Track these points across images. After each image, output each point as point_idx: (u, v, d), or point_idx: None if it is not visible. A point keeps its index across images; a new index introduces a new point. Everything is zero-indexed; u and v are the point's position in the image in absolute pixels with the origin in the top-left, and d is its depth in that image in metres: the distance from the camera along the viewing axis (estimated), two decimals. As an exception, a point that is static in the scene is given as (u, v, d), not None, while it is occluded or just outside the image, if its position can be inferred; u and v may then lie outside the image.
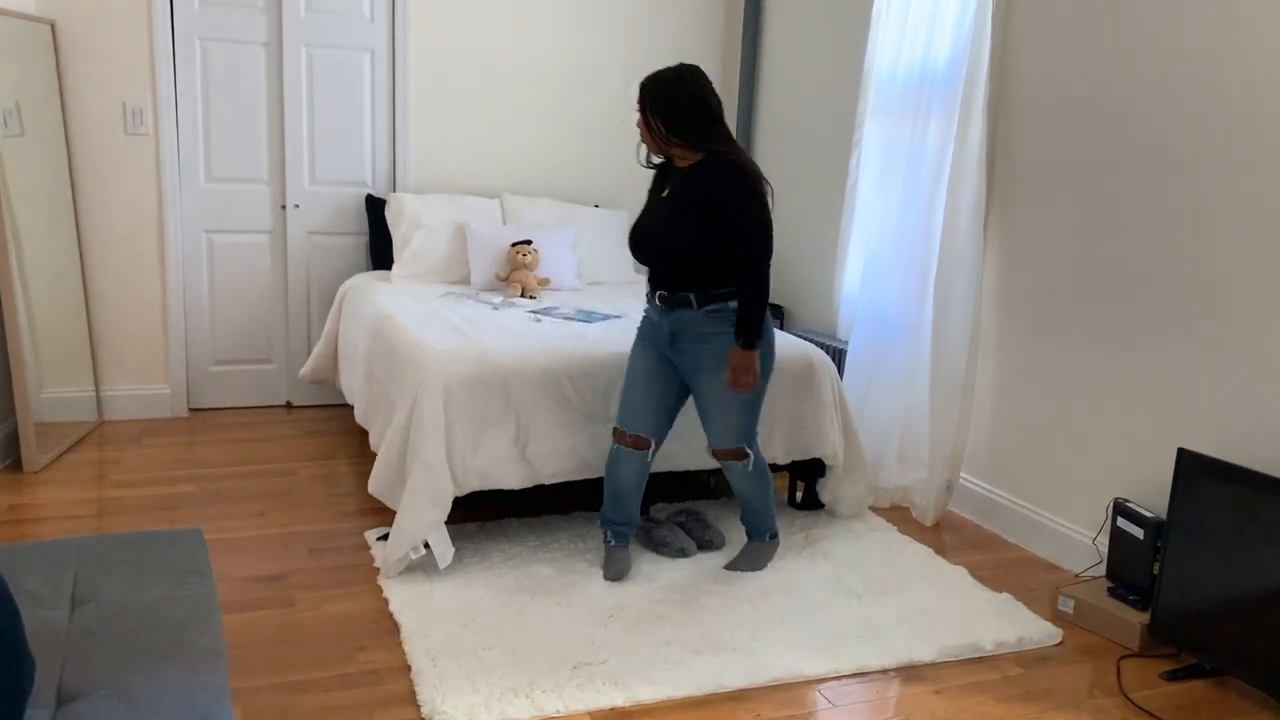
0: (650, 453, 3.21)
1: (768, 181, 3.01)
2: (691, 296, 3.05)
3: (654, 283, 3.16)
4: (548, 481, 3.32)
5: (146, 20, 4.44)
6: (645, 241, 3.14)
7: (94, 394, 4.61)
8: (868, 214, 4.28)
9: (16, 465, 3.99)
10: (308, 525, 3.57)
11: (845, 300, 4.47)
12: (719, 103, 3.04)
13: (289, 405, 5.03)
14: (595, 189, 5.35)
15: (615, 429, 3.22)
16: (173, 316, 4.70)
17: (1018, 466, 3.69)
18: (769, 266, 2.97)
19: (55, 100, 4.34)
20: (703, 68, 5.43)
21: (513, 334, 3.63)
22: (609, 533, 3.28)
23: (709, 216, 2.97)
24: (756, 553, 3.31)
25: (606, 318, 4.09)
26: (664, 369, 3.18)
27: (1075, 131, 3.41)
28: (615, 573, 3.20)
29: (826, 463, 3.70)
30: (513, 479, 3.27)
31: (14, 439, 4.01)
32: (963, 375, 3.73)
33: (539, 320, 3.95)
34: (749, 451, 3.18)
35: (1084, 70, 3.37)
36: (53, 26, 4.30)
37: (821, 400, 3.63)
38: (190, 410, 4.84)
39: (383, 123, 4.93)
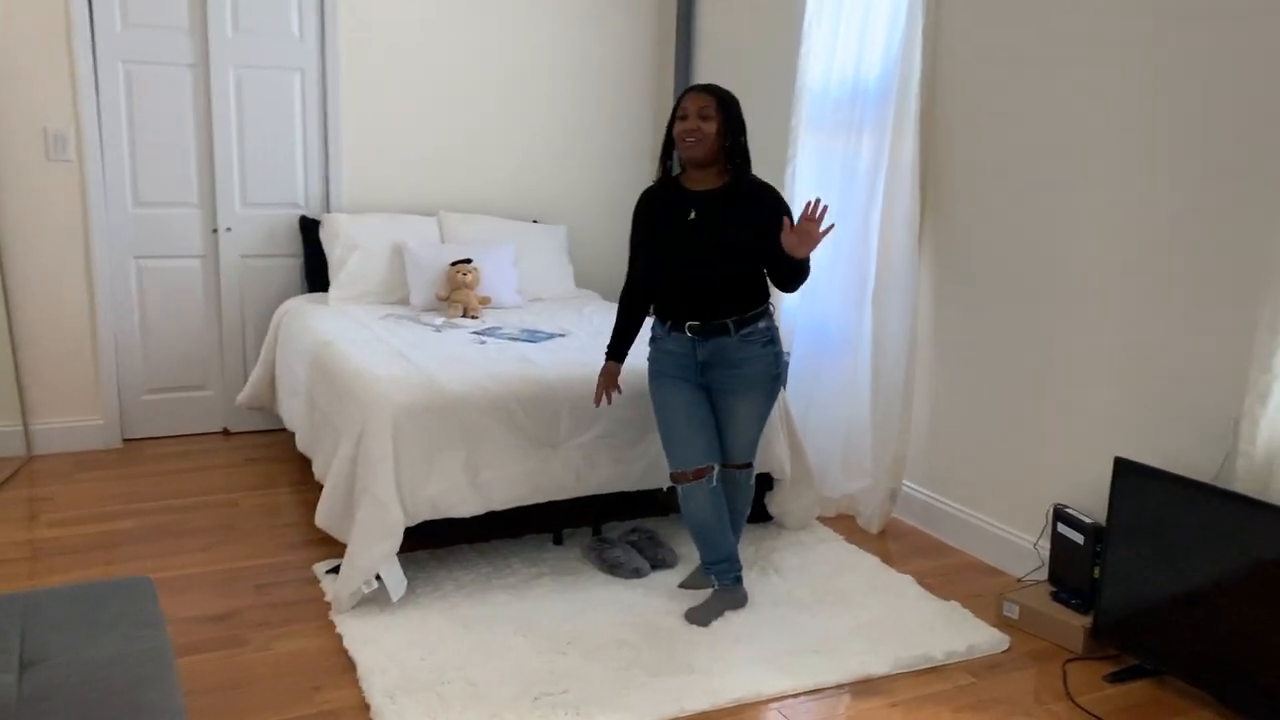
0: (713, 476, 3.09)
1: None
2: (729, 323, 3.02)
3: (681, 313, 3.07)
4: (500, 508, 3.31)
5: (66, 43, 4.32)
6: (684, 270, 3.02)
7: (22, 428, 4.47)
8: (805, 226, 4.33)
9: (-57, 508, 3.86)
10: (253, 559, 3.51)
11: (786, 312, 4.52)
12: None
13: (226, 432, 4.93)
14: (533, 204, 5.35)
15: (674, 474, 3.12)
16: (103, 345, 4.58)
17: (959, 473, 3.78)
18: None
19: (-28, 127, 4.20)
20: (636, 83, 5.49)
21: (458, 359, 3.61)
22: (712, 576, 3.17)
23: (758, 239, 2.97)
24: (720, 601, 3.20)
25: (551, 336, 4.08)
26: (699, 397, 3.12)
27: (1005, 145, 3.50)
28: (734, 605, 3.14)
29: (774, 477, 3.75)
30: (465, 507, 3.25)
31: (-60, 480, 3.87)
32: (902, 384, 3.80)
33: (483, 342, 3.93)
34: (752, 462, 3.27)
35: (1012, 83, 3.46)
36: (-33, 51, 4.16)
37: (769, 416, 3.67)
38: (124, 441, 4.72)
39: (314, 143, 4.86)
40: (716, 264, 3.00)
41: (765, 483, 3.80)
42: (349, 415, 3.36)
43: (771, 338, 3.11)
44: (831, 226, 2.93)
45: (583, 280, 5.41)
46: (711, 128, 3.00)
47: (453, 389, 3.29)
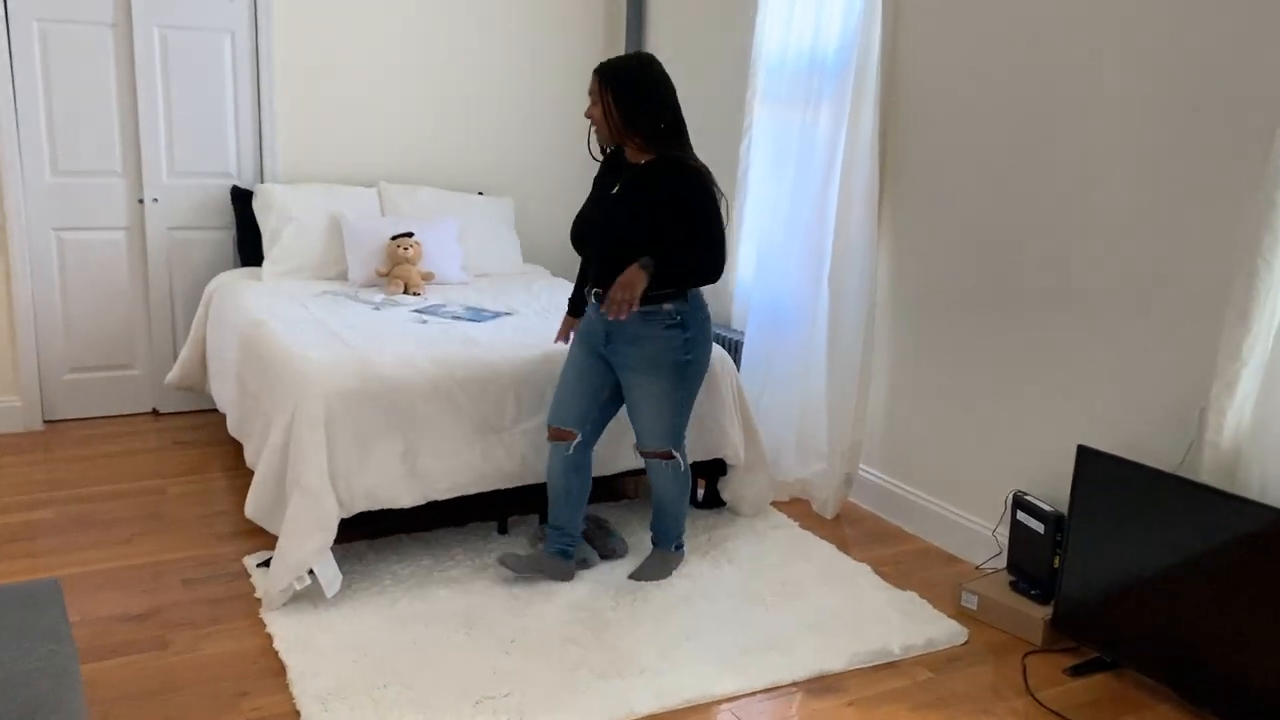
0: (573, 445, 3.10)
1: (722, 193, 2.97)
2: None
3: (593, 279, 3.07)
4: (441, 498, 3.16)
5: (-26, -1, 4.03)
6: (591, 236, 3.04)
7: (-67, 410, 4.21)
8: (760, 202, 4.21)
9: None
10: (180, 552, 3.32)
11: (740, 289, 4.40)
12: (676, 99, 2.98)
13: (155, 413, 4.71)
14: (478, 176, 5.14)
15: (548, 428, 3.16)
16: (21, 322, 4.32)
17: (915, 458, 3.69)
18: (716, 266, 2.94)
19: None
20: (585, 53, 5.29)
21: (397, 339, 3.44)
22: (547, 539, 3.20)
23: (667, 218, 2.89)
24: (662, 562, 3.22)
25: (497, 315, 3.92)
26: (598, 366, 3.10)
27: (966, 122, 3.38)
28: (553, 575, 3.14)
29: (728, 462, 3.63)
30: (404, 498, 3.09)
31: None
32: (859, 367, 3.69)
33: (424, 321, 3.76)
34: (675, 454, 3.10)
35: (973, 60, 3.34)
36: None
37: (722, 400, 3.55)
38: (45, 423, 4.48)
39: (247, 109, 4.62)
40: (619, 240, 2.94)
41: (719, 468, 3.68)
42: (280, 400, 3.18)
43: (682, 322, 2.98)
44: (633, 307, 2.83)
45: (530, 254, 5.23)
46: (598, 110, 2.95)
47: (390, 372, 3.12)
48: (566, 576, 3.16)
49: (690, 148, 3.02)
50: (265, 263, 4.41)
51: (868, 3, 3.56)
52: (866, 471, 3.88)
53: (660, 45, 4.95)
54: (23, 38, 4.17)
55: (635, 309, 2.84)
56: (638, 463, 3.44)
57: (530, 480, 3.31)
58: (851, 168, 3.66)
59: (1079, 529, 2.83)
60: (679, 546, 3.27)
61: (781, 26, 4.02)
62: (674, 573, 3.23)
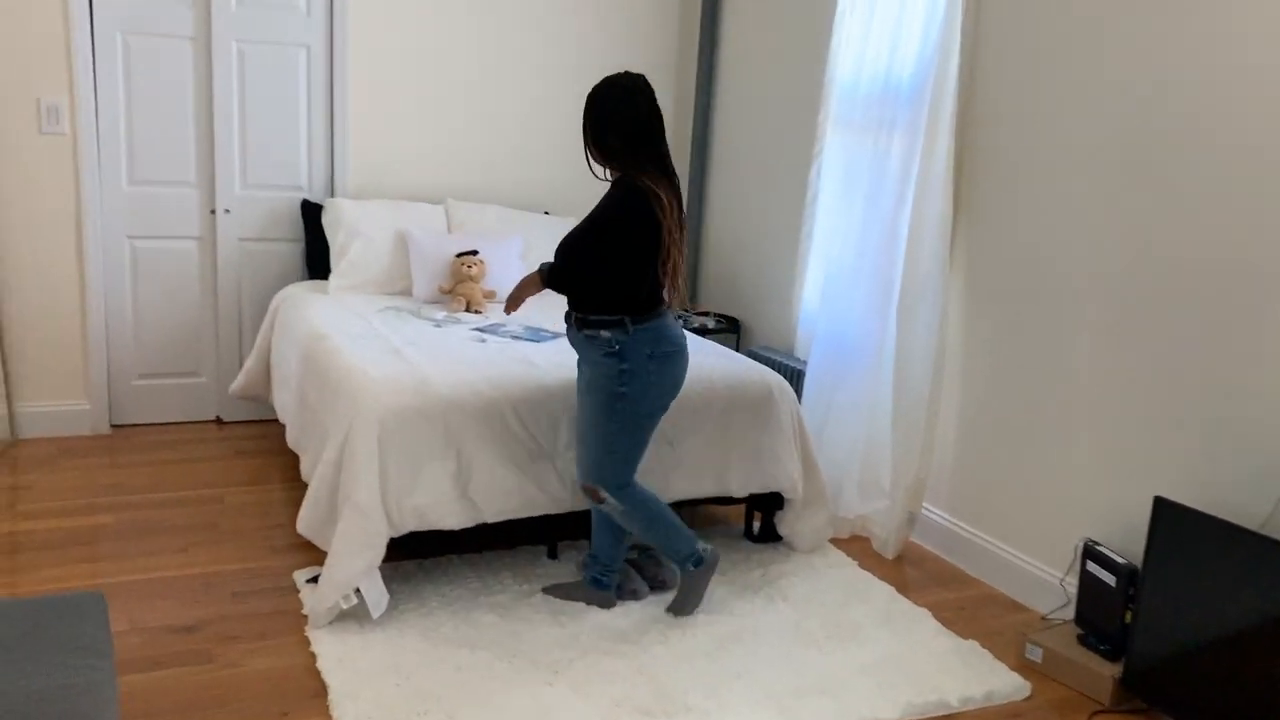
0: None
1: (653, 220, 2.78)
2: (574, 316, 2.95)
3: None
4: (491, 521, 3.11)
5: (62, 10, 4.13)
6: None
7: (6, 411, 4.30)
8: (828, 228, 4.12)
9: (-84, 494, 3.70)
10: (233, 563, 3.33)
11: (804, 317, 4.30)
12: (638, 120, 2.84)
13: (219, 421, 4.76)
14: (545, 195, 5.13)
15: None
16: (93, 327, 4.40)
17: (983, 499, 3.55)
18: (612, 288, 2.83)
19: (-39, 96, 4.02)
20: (657, 72, 5.25)
21: (455, 358, 3.41)
22: (585, 565, 3.20)
23: (589, 230, 2.89)
24: (690, 586, 3.10)
25: (556, 336, 3.88)
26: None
27: (1048, 150, 3.26)
28: (594, 602, 3.12)
29: (785, 495, 3.53)
30: (453, 519, 3.06)
31: (-87, 465, 3.71)
32: (926, 401, 3.57)
33: (484, 340, 3.73)
34: (602, 495, 2.97)
35: (1055, 88, 3.21)
36: (-43, 17, 3.98)
37: (780, 430, 3.46)
38: (112, 427, 4.55)
39: (319, 123, 4.66)
40: (560, 252, 2.94)
41: (775, 501, 3.59)
42: (337, 416, 3.17)
43: (620, 352, 2.85)
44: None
45: (594, 275, 5.19)
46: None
47: (445, 392, 3.09)
48: (607, 604, 3.10)
49: (652, 172, 2.83)
50: (331, 276, 4.44)
51: (945, 28, 3.46)
52: (930, 511, 3.75)
53: (733, 65, 4.89)
54: (106, 49, 4.27)
55: (516, 307, 3.00)
56: (689, 491, 3.37)
57: (580, 508, 3.25)
58: (924, 196, 3.55)
59: (1154, 584, 2.68)
60: (696, 561, 3.07)
61: (856, 50, 3.93)
62: (707, 592, 3.12)
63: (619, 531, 3.11)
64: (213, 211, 4.56)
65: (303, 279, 4.72)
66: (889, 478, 3.69)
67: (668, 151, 2.90)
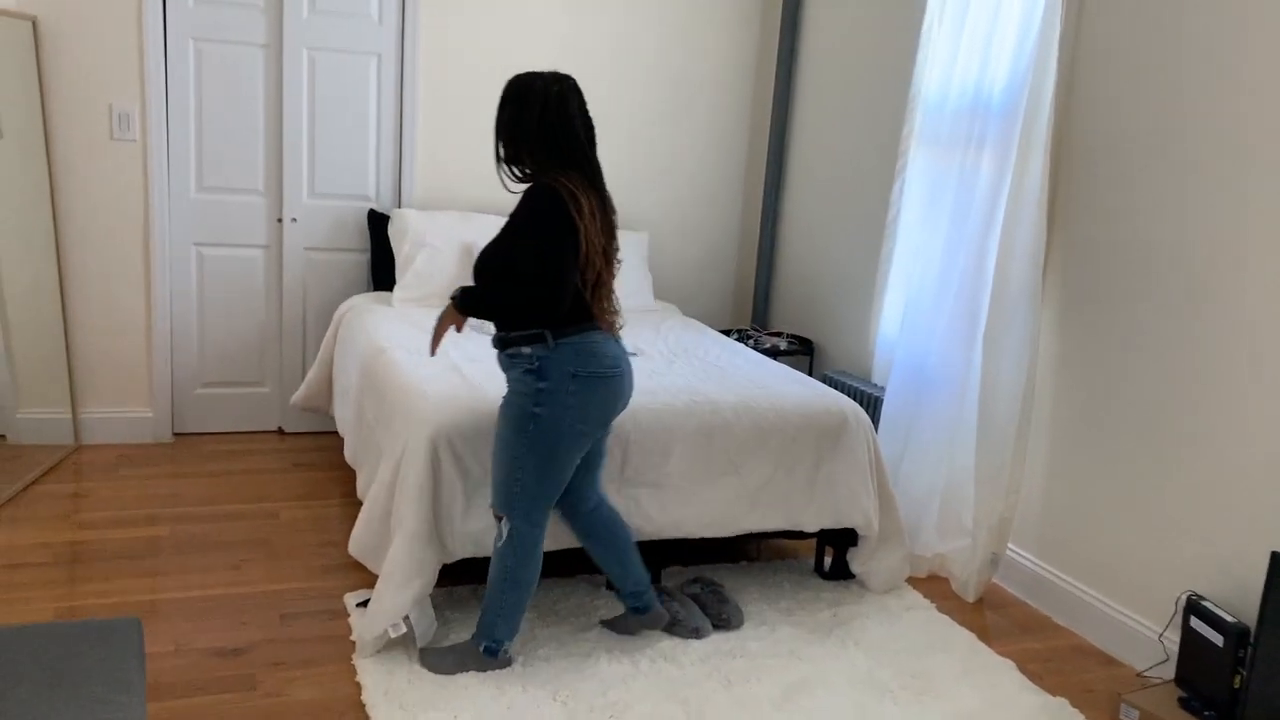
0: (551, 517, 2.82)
1: (571, 226, 2.49)
2: (496, 334, 2.68)
3: None
4: (550, 549, 2.97)
5: (136, 17, 4.12)
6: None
7: (70, 416, 4.29)
8: (910, 249, 3.92)
9: (-24, 500, 3.68)
10: (285, 582, 3.24)
11: (882, 342, 4.10)
12: (570, 121, 2.59)
13: (281, 431, 4.71)
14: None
15: None
16: (158, 334, 4.38)
17: (1073, 542, 3.31)
18: (533, 300, 2.52)
19: (35, 103, 4.02)
20: (734, 84, 5.10)
21: (516, 377, 3.29)
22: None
23: (504, 241, 2.63)
24: (458, 655, 2.73)
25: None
26: None
27: (1149, 173, 3.02)
28: (646, 626, 2.98)
29: (860, 532, 3.33)
30: (508, 547, 2.92)
31: (-25, 470, 3.69)
32: (1014, 436, 3.35)
33: (546, 359, 3.60)
34: (504, 520, 2.66)
35: (1161, 104, 2.98)
36: (34, 23, 3.99)
37: (855, 462, 3.27)
38: (174, 435, 4.52)
39: (388, 132, 4.60)
40: (477, 264, 2.69)
41: (848, 537, 3.39)
42: (392, 434, 3.07)
43: (539, 369, 2.56)
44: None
45: (662, 292, 5.05)
46: None
47: (504, 414, 2.96)
48: (659, 622, 2.97)
49: (574, 176, 2.56)
50: (396, 288, 4.36)
51: (1041, 39, 3.25)
52: (1015, 552, 3.51)
53: (814, 80, 4.72)
54: (179, 56, 4.25)
55: (438, 344, 2.71)
56: (755, 524, 3.20)
57: (644, 535, 3.10)
58: (1015, 218, 3.33)
59: (1268, 647, 2.43)
60: (488, 650, 2.71)
61: (944, 63, 3.73)
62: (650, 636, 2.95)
63: (619, 549, 2.88)
64: (280, 220, 4.52)
65: (367, 290, 4.66)
66: (971, 515, 3.47)
67: (598, 161, 2.66)
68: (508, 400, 2.66)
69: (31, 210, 4.06)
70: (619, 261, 2.70)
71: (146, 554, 3.37)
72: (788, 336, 4.68)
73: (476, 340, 3.81)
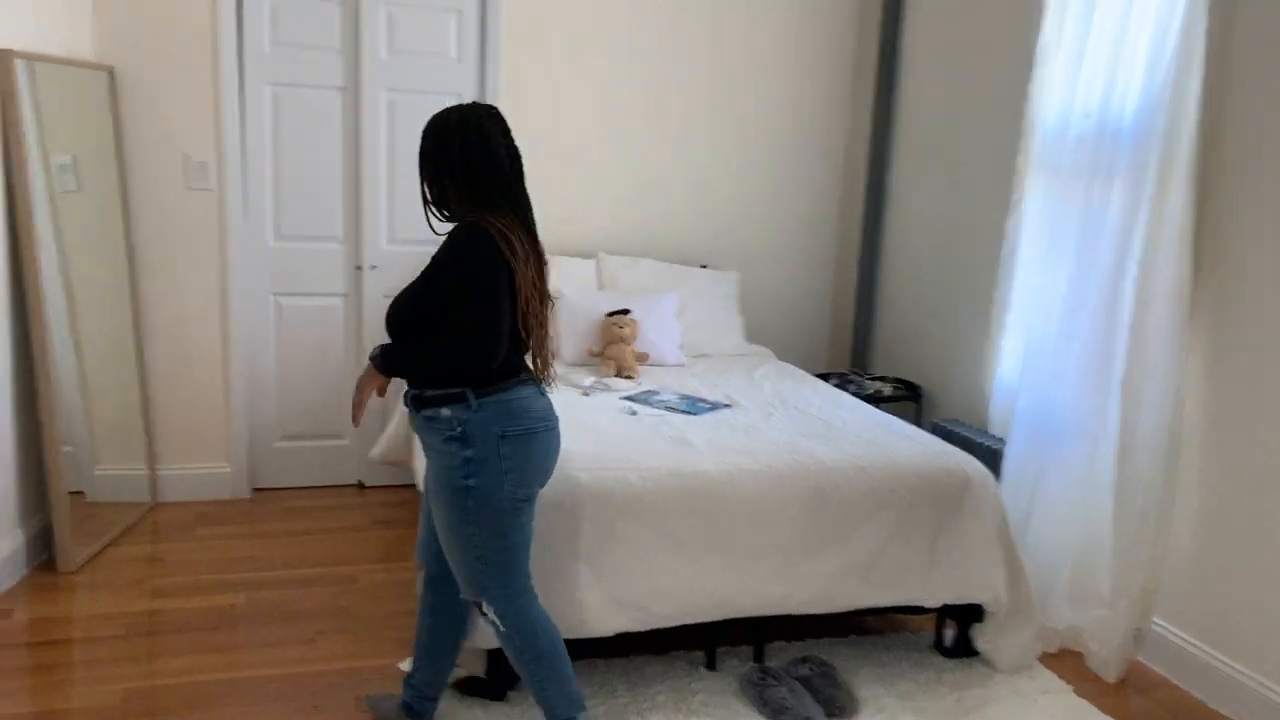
0: (420, 580, 2.56)
1: (501, 262, 2.21)
2: (412, 395, 2.34)
3: None
4: (636, 630, 2.72)
5: (212, 65, 4.03)
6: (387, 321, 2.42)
7: (148, 473, 4.19)
8: (1029, 287, 3.58)
9: (52, 563, 3.56)
10: (360, 659, 3.04)
11: (1000, 388, 3.76)
12: (496, 157, 2.30)
13: (361, 486, 4.55)
14: (702, 248, 4.76)
15: None
16: (235, 387, 4.26)
17: (1231, 617, 2.93)
18: (468, 351, 2.19)
19: (112, 153, 3.95)
20: (824, 114, 4.84)
21: (601, 435, 3.06)
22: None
23: (426, 289, 2.31)
24: None
25: (715, 407, 3.48)
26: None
27: (1319, 201, 2.67)
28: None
29: (986, 607, 3.01)
30: (594, 624, 2.68)
31: (50, 533, 3.58)
32: (1157, 497, 3.00)
33: (634, 413, 3.36)
34: (485, 609, 2.35)
35: (1333, 124, 2.63)
36: (111, 73, 3.92)
37: (980, 529, 2.95)
38: (252, 490, 4.39)
39: (468, 175, 4.43)
40: (389, 324, 2.37)
41: (972, 610, 3.06)
42: (471, 502, 2.85)
43: (463, 436, 2.24)
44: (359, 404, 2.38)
45: (755, 334, 4.78)
46: None
47: (587, 480, 2.73)
48: None
49: (504, 214, 2.27)
50: (475, 336, 4.17)
51: (1180, 57, 2.92)
52: (1162, 626, 3.14)
53: (915, 105, 4.42)
54: (255, 103, 4.15)
55: (361, 411, 2.38)
56: (867, 599, 2.90)
57: (746, 611, 2.83)
58: (1154, 255, 3.00)
59: None
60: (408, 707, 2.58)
61: (1065, 83, 3.41)
62: None
63: (440, 650, 2.57)
64: (359, 267, 4.38)
65: (447, 338, 4.48)
66: (1109, 584, 3.11)
67: (527, 196, 2.37)
68: (435, 475, 2.33)
69: (109, 263, 3.98)
70: (553, 304, 2.44)
71: (221, 625, 3.21)
72: (892, 381, 4.36)
73: (562, 392, 3.58)
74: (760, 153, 4.75)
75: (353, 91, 4.25)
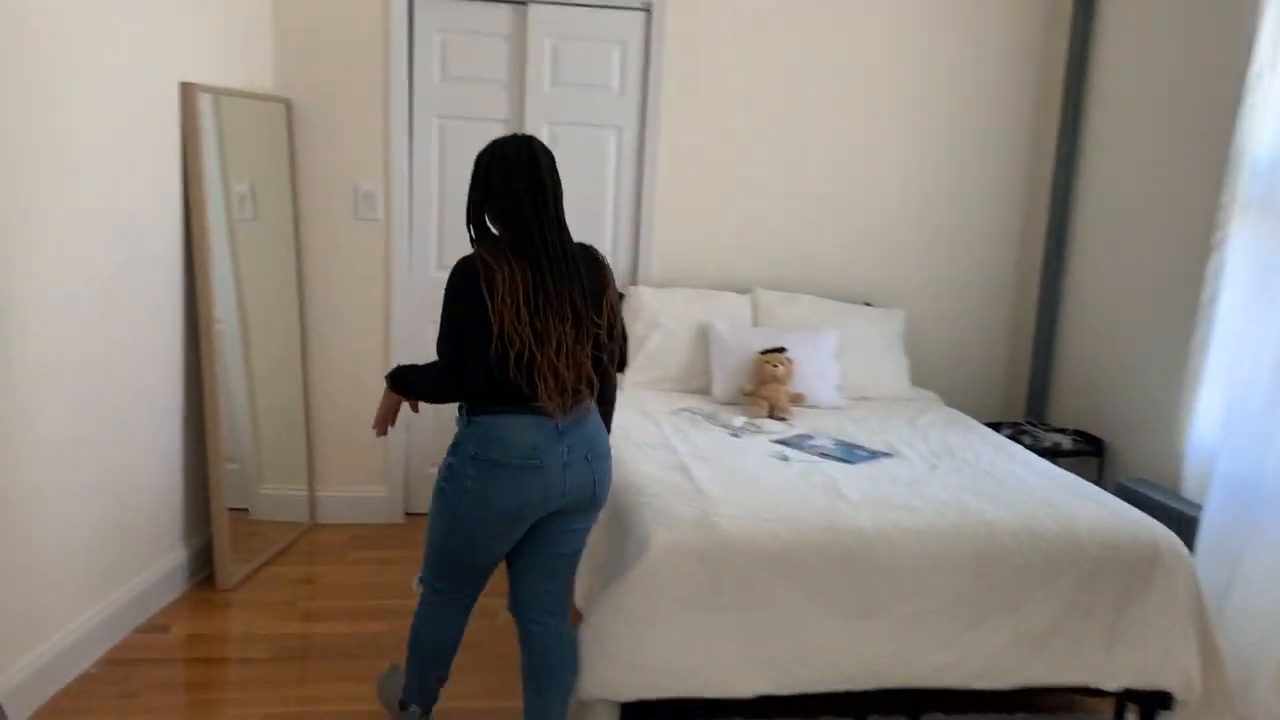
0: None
1: (458, 293, 2.27)
2: None
3: None
4: (778, 693, 2.55)
5: (383, 97, 4.12)
6: None
7: (307, 494, 4.29)
8: (1233, 335, 3.24)
9: (211, 580, 3.67)
10: (492, 698, 2.98)
11: (1196, 446, 3.41)
12: (485, 193, 2.35)
13: (510, 516, 4.53)
14: (866, 283, 4.55)
15: None
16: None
17: None
18: (442, 376, 2.38)
19: (287, 182, 4.09)
20: (1004, 144, 4.55)
21: (749, 482, 2.91)
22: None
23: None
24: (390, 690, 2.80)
25: (874, 456, 3.27)
26: None
27: None
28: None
29: (1175, 695, 2.69)
30: (732, 684, 2.52)
31: (210, 550, 3.69)
32: (1386, 581, 2.61)
33: (786, 459, 3.20)
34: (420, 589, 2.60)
35: None
36: (288, 105, 4.06)
37: (1171, 606, 2.64)
38: (406, 515, 4.44)
39: (626, 206, 4.38)
40: None
41: (1161, 700, 2.74)
42: (605, 545, 2.76)
43: (454, 444, 2.42)
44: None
45: (921, 377, 4.52)
46: None
47: (733, 530, 2.58)
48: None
49: (503, 248, 2.30)
50: (627, 370, 4.08)
51: None
52: (1388, 731, 2.74)
53: (1104, 135, 4.11)
54: (423, 134, 4.22)
55: (387, 427, 2.62)
56: (1039, 676, 2.63)
57: (901, 681, 2.61)
58: (1387, 303, 2.64)
59: None
60: (401, 706, 2.73)
61: (1277, 113, 3.07)
62: None
63: (542, 687, 2.52)
64: (515, 298, 4.37)
65: (600, 371, 4.43)
66: (1324, 677, 2.73)
67: (545, 225, 2.33)
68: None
69: (280, 290, 4.11)
70: (593, 332, 2.37)
71: (364, 653, 3.22)
72: (1072, 434, 4.03)
73: (710, 433, 3.47)
74: (933, 185, 4.51)
75: (516, 123, 4.27)
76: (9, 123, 2.58)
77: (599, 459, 2.38)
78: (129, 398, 3.23)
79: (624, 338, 2.50)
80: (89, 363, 3.00)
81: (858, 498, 2.81)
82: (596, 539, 2.92)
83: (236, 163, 3.77)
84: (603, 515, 2.90)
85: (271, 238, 4.06)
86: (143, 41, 3.18)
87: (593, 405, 2.41)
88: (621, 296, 4.02)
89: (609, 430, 2.50)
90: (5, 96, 2.56)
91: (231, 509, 3.96)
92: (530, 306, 2.25)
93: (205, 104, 3.54)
